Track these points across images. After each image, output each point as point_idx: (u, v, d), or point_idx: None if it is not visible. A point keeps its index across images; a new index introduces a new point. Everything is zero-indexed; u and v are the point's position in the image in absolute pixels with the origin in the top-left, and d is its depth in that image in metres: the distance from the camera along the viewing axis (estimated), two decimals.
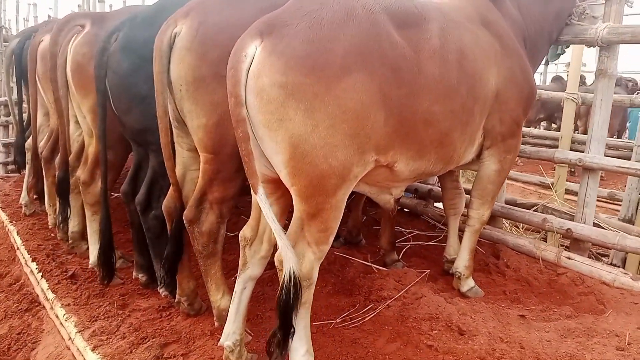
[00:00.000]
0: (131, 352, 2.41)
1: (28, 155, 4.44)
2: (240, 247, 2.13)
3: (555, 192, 3.89)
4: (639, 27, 2.60)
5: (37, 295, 3.36)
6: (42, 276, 3.32)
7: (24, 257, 3.67)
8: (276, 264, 1.89)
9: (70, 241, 3.58)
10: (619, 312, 2.45)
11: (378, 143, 1.89)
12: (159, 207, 2.64)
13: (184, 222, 2.32)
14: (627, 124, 9.18)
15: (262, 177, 1.96)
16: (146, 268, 2.97)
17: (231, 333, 2.16)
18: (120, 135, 2.81)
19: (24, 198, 4.52)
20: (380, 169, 2.01)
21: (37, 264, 3.49)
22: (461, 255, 2.73)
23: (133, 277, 3.03)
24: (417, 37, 2.00)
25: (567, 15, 2.85)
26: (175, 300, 2.64)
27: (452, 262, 2.88)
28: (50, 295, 3.06)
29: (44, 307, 3.19)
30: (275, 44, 1.73)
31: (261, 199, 1.79)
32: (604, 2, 2.77)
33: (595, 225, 3.00)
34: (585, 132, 6.22)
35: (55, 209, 3.93)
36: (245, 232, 2.11)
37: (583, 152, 3.00)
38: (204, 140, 2.21)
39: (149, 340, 2.45)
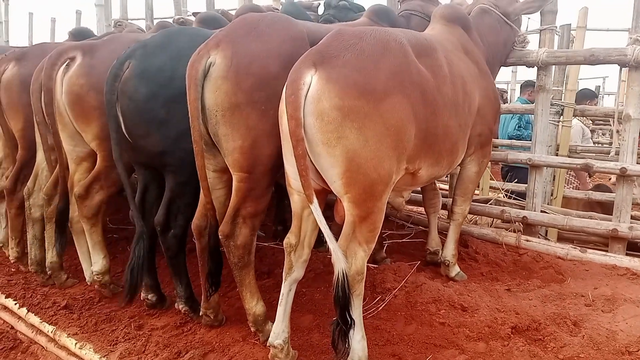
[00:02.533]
0: None
1: None
2: (286, 253, 2.38)
3: (502, 190, 4.56)
4: (571, 52, 3.31)
5: (18, 332, 3.27)
6: (27, 311, 3.23)
7: None
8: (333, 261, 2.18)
9: (49, 272, 3.50)
10: (576, 279, 3.08)
11: (409, 153, 2.28)
12: (177, 226, 2.81)
13: (220, 236, 2.52)
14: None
15: None
16: (155, 288, 3.06)
17: (280, 332, 2.40)
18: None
19: None
20: (406, 175, 2.41)
21: (14, 300, 3.38)
22: (448, 245, 3.22)
23: (141, 299, 3.09)
24: (432, 65, 2.45)
25: (512, 43, 3.51)
26: (201, 314, 2.79)
27: (435, 253, 3.37)
28: (48, 327, 3.03)
29: (35, 342, 3.13)
30: (330, 72, 2.06)
31: (316, 207, 2.09)
32: (538, 33, 3.47)
33: (542, 212, 3.67)
34: None
35: (18, 242, 3.80)
36: (290, 239, 2.37)
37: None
38: (239, 161, 2.44)
39: (185, 354, 2.59)
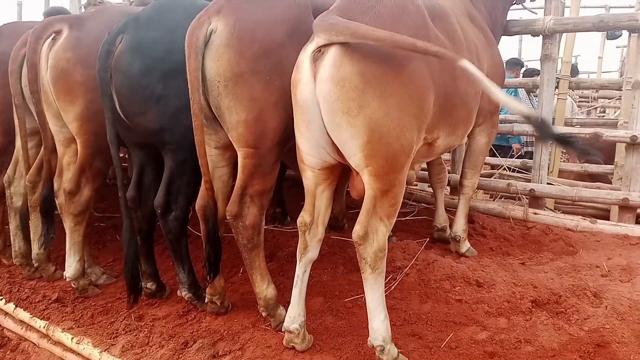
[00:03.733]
0: (180, 357, 2.41)
1: None
2: (300, 232, 2.27)
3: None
4: (579, 18, 3.23)
5: (4, 329, 3.09)
6: (15, 306, 3.04)
7: None
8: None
9: (36, 264, 3.30)
10: (588, 250, 3.05)
11: (429, 122, 2.17)
12: (178, 208, 2.65)
13: (228, 217, 2.38)
14: None
15: (319, 164, 2.15)
16: (154, 276, 2.91)
17: (297, 316, 2.30)
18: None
19: None
20: (423, 146, 2.30)
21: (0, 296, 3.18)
22: (458, 220, 3.14)
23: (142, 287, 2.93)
24: (448, 29, 2.34)
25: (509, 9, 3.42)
26: (206, 300, 2.66)
27: (443, 230, 3.29)
28: (40, 323, 2.86)
29: (25, 339, 2.96)
30: None
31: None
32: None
33: (548, 184, 3.63)
34: None
35: None
36: (304, 217, 2.25)
37: None
38: (244, 135, 2.30)
39: (193, 344, 2.46)
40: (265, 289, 2.49)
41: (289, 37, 2.32)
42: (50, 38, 2.76)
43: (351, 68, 1.90)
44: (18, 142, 3.30)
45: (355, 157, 2.02)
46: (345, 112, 1.94)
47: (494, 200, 3.93)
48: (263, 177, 2.39)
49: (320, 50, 1.94)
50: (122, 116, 2.56)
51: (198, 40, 2.20)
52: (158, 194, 2.62)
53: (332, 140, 2.07)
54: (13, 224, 3.39)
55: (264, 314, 2.53)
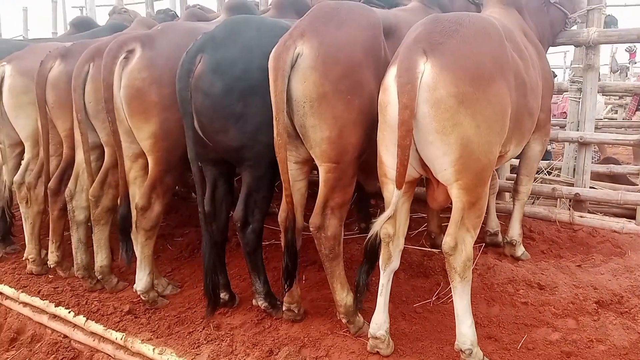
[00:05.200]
0: None
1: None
2: (383, 244, 2.40)
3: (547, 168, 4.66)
4: (624, 30, 3.40)
5: (72, 341, 3.19)
6: (86, 319, 3.14)
7: (27, 305, 3.49)
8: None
9: (99, 276, 3.40)
10: (637, 251, 3.21)
11: (506, 136, 2.32)
12: (255, 221, 2.78)
13: (311, 229, 2.51)
14: None
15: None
16: (227, 286, 3.03)
17: (382, 323, 2.43)
18: (183, 156, 2.83)
19: None
20: None
21: (67, 308, 3.27)
22: (514, 225, 3.30)
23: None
24: (517, 48, 2.50)
25: (560, 24, 3.57)
26: (284, 308, 2.78)
27: (495, 234, 3.46)
28: (116, 334, 2.96)
29: (98, 350, 3.06)
30: (442, 60, 2.07)
31: (399, 194, 2.21)
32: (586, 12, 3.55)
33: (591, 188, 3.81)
34: None
35: (58, 245, 3.67)
36: (388, 229, 2.38)
37: None
38: (327, 151, 2.43)
39: (278, 352, 2.58)
40: (345, 297, 2.61)
41: (366, 58, 2.46)
42: (122, 57, 2.87)
43: (446, 90, 2.04)
44: (78, 156, 3.40)
45: (445, 172, 2.16)
46: (440, 131, 2.08)
47: (532, 203, 4.08)
48: (343, 189, 2.52)
49: (418, 72, 2.06)
50: (201, 134, 2.67)
51: (285, 63, 2.32)
52: (237, 208, 2.74)
53: (419, 155, 2.21)
54: (75, 237, 3.48)
55: (344, 320, 2.65)
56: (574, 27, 3.62)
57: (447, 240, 2.21)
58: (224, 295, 3.01)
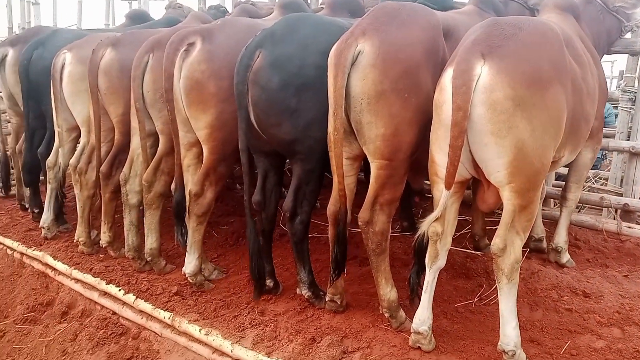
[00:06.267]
0: (310, 352, 2.61)
1: (51, 174, 4.22)
2: (431, 242, 2.45)
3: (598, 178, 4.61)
4: None
5: (120, 318, 3.34)
6: (136, 297, 3.29)
7: (79, 281, 3.66)
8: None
9: (148, 258, 3.56)
10: None
11: (561, 142, 2.33)
12: (303, 212, 2.87)
13: (360, 223, 2.58)
14: None
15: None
16: (272, 274, 3.14)
17: (425, 319, 2.48)
18: (236, 146, 2.93)
19: (46, 220, 4.29)
20: None
21: (117, 286, 3.44)
22: (560, 232, 3.30)
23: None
24: (575, 54, 2.51)
25: (616, 32, 3.54)
26: (327, 299, 2.86)
27: (540, 240, 3.45)
28: (164, 314, 3.09)
29: (145, 328, 3.20)
30: (500, 63, 2.11)
31: (447, 194, 2.25)
32: None
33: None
34: None
35: (110, 226, 3.85)
36: (436, 228, 2.43)
37: None
38: (381, 148, 2.49)
39: (321, 340, 2.66)
40: (389, 292, 2.68)
41: (425, 58, 2.51)
42: (183, 49, 2.99)
43: (502, 93, 2.07)
44: (134, 143, 3.55)
45: (498, 174, 2.20)
46: (495, 134, 2.11)
47: (578, 211, 4.05)
48: (394, 187, 2.58)
49: (475, 75, 2.10)
50: (256, 127, 2.77)
51: (346, 60, 2.40)
52: (286, 199, 2.84)
53: (471, 156, 2.25)
54: (127, 220, 3.65)
55: (386, 314, 2.72)
56: (628, 35, 3.57)
57: (496, 242, 2.25)
58: (269, 282, 3.12)
